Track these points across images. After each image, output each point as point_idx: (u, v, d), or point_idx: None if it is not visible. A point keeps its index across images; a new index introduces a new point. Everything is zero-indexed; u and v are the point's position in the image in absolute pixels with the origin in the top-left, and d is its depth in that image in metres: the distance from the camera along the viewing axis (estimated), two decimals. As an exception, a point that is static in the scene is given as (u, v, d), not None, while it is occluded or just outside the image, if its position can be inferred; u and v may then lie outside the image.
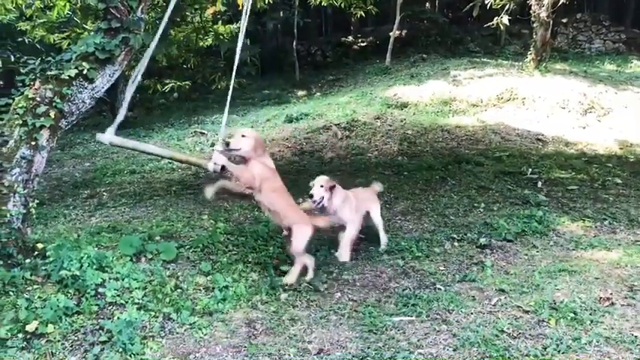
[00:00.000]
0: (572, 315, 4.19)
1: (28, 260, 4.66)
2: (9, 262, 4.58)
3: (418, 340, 4.00)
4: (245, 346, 3.95)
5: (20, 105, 4.87)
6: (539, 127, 11.99)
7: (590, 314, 4.21)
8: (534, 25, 15.66)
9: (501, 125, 12.00)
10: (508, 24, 15.48)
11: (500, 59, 18.47)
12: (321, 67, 21.61)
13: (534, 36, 15.78)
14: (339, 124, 12.07)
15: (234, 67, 5.43)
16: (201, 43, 11.54)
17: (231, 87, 5.38)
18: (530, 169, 9.07)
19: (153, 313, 4.32)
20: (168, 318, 4.30)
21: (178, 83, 12.73)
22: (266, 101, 17.04)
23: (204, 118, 15.49)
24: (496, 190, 8.08)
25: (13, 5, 9.88)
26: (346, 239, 5.54)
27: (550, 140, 11.39)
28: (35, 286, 4.46)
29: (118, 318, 4.15)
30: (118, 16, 5.33)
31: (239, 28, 11.14)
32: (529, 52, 16.03)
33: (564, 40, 21.77)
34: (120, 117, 5.31)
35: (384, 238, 6.09)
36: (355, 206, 5.78)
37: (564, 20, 21.60)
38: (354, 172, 9.45)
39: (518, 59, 17.40)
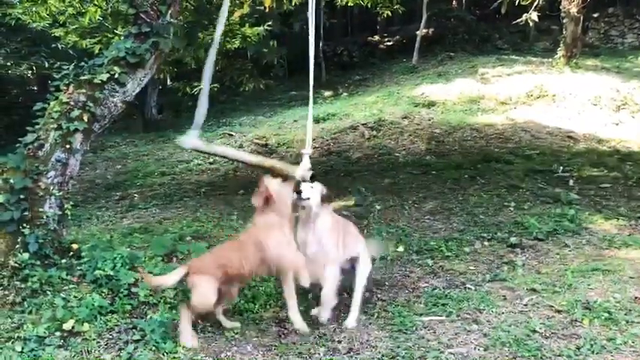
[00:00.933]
0: (606, 315, 4.11)
1: (63, 260, 4.79)
2: (46, 262, 4.71)
3: (448, 340, 3.98)
4: (275, 345, 3.98)
5: (55, 109, 5.00)
6: (570, 125, 11.78)
7: (626, 314, 4.13)
8: (564, 20, 15.41)
9: (531, 123, 11.83)
10: (537, 20, 15.23)
11: (529, 56, 18.22)
12: (347, 67, 21.60)
13: (564, 32, 15.52)
14: (366, 124, 12.06)
15: (311, 65, 5.22)
16: (228, 46, 11.63)
17: (311, 86, 5.32)
18: (561, 167, 8.92)
19: (185, 313, 4.38)
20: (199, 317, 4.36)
21: (207, 86, 12.85)
22: (293, 102, 17.12)
23: (232, 120, 15.65)
24: (526, 188, 7.97)
25: (47, 13, 10.13)
26: (328, 289, 4.21)
27: (581, 138, 11.19)
28: (71, 286, 4.58)
29: (151, 317, 4.23)
30: (148, 20, 5.43)
31: (266, 30, 11.21)
32: (559, 49, 15.78)
33: (596, 35, 21.32)
34: (200, 118, 4.91)
35: (354, 312, 4.38)
36: (344, 243, 4.42)
37: (595, 15, 21.15)
38: (381, 171, 9.44)
39: (548, 56, 17.13)
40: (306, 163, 4.40)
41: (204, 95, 5.02)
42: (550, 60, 16.09)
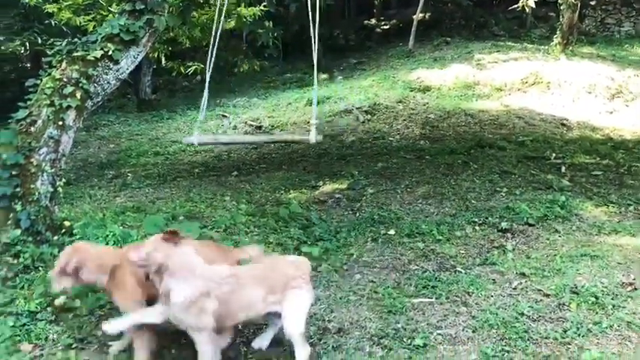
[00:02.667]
0: (593, 299, 4.17)
1: (55, 237, 4.80)
2: (38, 238, 4.71)
3: (437, 322, 4.03)
4: (265, 324, 4.02)
5: (48, 86, 4.96)
6: (564, 112, 11.80)
7: (612, 299, 4.19)
8: (561, 7, 15.35)
9: (525, 110, 11.84)
10: (534, 7, 15.24)
11: (525, 43, 18.15)
12: (343, 51, 21.47)
13: (561, 19, 15.46)
14: (360, 108, 12.03)
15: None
16: (224, 26, 11.53)
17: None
18: (554, 154, 8.96)
19: (176, 291, 4.39)
20: (191, 295, 4.38)
21: (201, 66, 12.75)
22: (288, 84, 17.02)
23: (227, 101, 15.57)
24: (519, 174, 8.01)
25: (40, -12, 10.02)
26: None
27: (575, 125, 11.21)
28: (63, 263, 4.59)
29: (143, 294, 4.24)
30: (143, -3, 5.38)
31: (261, 10, 11.13)
32: (555, 36, 15.72)
33: (592, 23, 21.24)
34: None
35: None
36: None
37: (592, 2, 21.06)
38: (374, 155, 9.45)
39: (544, 43, 17.07)
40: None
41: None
42: (546, 47, 16.05)
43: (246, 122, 12.26)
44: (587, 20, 20.92)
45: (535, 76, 13.30)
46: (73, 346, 3.72)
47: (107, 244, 4.80)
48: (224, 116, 13.27)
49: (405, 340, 3.78)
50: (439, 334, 3.85)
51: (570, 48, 15.36)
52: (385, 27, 22.71)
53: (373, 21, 23.14)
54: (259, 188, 7.87)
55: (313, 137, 5.25)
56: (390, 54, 18.89)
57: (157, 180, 8.74)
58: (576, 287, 4.39)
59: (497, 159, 8.77)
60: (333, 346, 3.74)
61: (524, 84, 13.18)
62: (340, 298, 4.47)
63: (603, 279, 4.54)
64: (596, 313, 4.00)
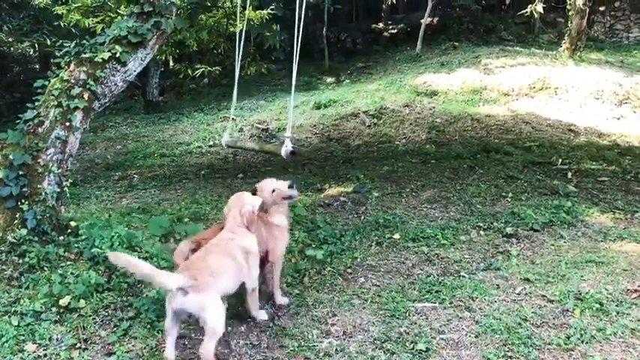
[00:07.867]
0: (597, 306, 4.15)
1: (61, 237, 4.83)
2: (44, 238, 4.74)
3: (440, 326, 4.02)
4: (269, 327, 4.03)
5: (56, 87, 5.00)
6: (571, 118, 11.77)
7: (617, 305, 4.17)
8: (570, 13, 15.34)
9: (532, 115, 11.83)
10: (542, 12, 15.23)
11: (533, 48, 18.15)
12: (350, 54, 21.52)
13: (570, 24, 15.45)
14: (367, 112, 12.05)
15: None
16: (231, 29, 11.55)
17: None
18: (560, 160, 8.94)
19: (180, 292, 4.41)
20: (194, 297, 4.39)
21: (209, 68, 12.79)
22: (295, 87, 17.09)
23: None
24: (525, 180, 7.99)
25: (50, -10, 10.08)
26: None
27: (582, 131, 11.18)
28: (68, 263, 4.63)
29: (147, 296, 4.28)
30: (151, 0, 5.41)
31: (269, 13, 11.16)
32: (564, 41, 15.71)
33: (601, 29, 21.20)
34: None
35: None
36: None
37: (601, 8, 21.02)
38: (380, 159, 9.46)
39: (552, 48, 17.07)
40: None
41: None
42: (554, 52, 16.03)
43: (252, 125, 12.30)
44: (596, 26, 20.88)
45: (542, 81, 13.30)
46: (77, 346, 3.73)
47: (112, 245, 4.82)
48: (230, 118, 13.31)
49: (407, 344, 3.77)
50: (442, 338, 3.85)
51: (578, 54, 15.34)
52: (393, 31, 22.76)
53: (381, 25, 23.18)
54: (265, 191, 7.88)
55: (284, 150, 5.31)
56: (398, 58, 18.92)
57: (163, 181, 8.79)
58: (580, 293, 4.36)
59: (503, 164, 8.76)
60: (336, 349, 3.74)
61: (531, 89, 13.17)
62: (344, 302, 4.48)
63: (608, 285, 4.52)
64: (600, 319, 3.98)
